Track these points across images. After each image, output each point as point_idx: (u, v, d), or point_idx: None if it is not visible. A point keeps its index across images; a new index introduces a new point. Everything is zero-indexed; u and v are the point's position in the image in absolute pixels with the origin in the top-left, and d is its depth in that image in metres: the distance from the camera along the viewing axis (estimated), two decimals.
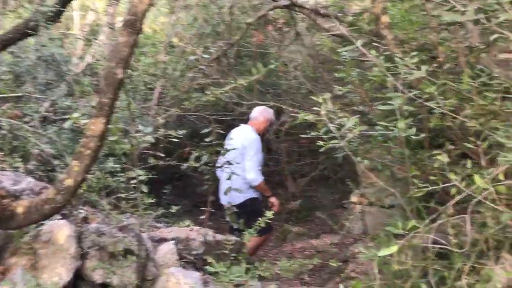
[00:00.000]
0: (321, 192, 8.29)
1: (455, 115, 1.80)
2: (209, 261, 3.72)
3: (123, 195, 2.75)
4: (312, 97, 3.45)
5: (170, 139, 3.65)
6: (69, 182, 2.54)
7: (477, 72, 2.17)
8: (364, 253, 2.20)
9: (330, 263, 3.88)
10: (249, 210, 4.87)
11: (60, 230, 3.02)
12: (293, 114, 7.58)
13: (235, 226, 3.83)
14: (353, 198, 7.06)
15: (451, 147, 2.20)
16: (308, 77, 7.50)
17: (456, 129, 2.14)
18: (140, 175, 3.06)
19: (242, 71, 7.72)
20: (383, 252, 1.63)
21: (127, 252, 3.07)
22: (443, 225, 1.57)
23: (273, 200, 5.26)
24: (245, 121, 6.01)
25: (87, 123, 2.59)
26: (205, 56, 4.14)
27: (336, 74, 3.01)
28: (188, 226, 4.09)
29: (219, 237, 3.78)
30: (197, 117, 7.67)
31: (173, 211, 3.16)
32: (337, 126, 2.16)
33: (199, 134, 4.08)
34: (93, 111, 2.58)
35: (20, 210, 2.51)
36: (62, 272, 2.90)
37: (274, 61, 7.62)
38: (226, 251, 3.75)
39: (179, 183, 8.83)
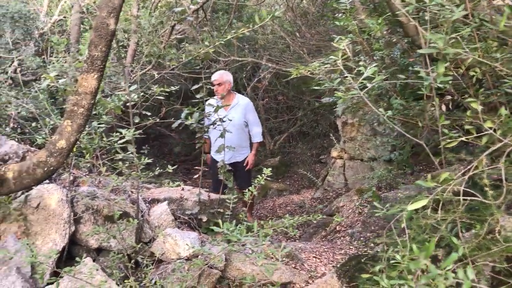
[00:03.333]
0: (300, 148, 8.31)
1: (488, 62, 1.73)
2: (204, 220, 3.67)
3: (120, 156, 2.59)
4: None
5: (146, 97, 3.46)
6: (62, 143, 2.37)
7: None
8: (377, 209, 2.15)
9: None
10: (246, 167, 5.06)
11: (51, 194, 2.86)
12: (271, 70, 7.42)
13: (229, 184, 3.76)
14: (333, 153, 7.11)
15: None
16: (287, 31, 7.32)
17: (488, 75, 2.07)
18: (126, 135, 2.91)
19: (218, 26, 7.45)
20: (413, 205, 1.59)
21: (123, 214, 2.95)
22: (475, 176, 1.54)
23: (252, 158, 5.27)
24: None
25: (78, 79, 2.39)
26: (192, 7, 3.88)
27: (337, 23, 2.88)
28: (178, 185, 3.99)
29: (213, 196, 3.70)
30: (173, 75, 7.43)
31: (169, 170, 3.02)
32: (352, 75, 2.06)
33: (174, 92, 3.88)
34: (83, 66, 2.37)
35: (10, 175, 2.33)
36: (56, 238, 2.77)
37: (252, 15, 7.37)
38: (220, 210, 3.70)
39: (155, 143, 8.65)
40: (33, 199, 2.86)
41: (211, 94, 3.65)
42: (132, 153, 2.62)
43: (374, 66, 1.97)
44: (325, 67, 2.47)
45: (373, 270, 1.96)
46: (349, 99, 2.96)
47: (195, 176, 7.89)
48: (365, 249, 4.33)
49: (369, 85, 1.99)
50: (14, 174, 2.34)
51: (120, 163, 2.63)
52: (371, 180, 5.65)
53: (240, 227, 2.68)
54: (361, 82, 1.98)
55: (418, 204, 1.59)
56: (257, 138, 5.21)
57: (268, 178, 3.14)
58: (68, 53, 6.43)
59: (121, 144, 2.92)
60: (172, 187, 3.93)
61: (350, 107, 2.91)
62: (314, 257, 4.12)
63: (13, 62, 5.84)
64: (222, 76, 4.94)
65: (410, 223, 1.86)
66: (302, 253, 4.04)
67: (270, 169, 3.13)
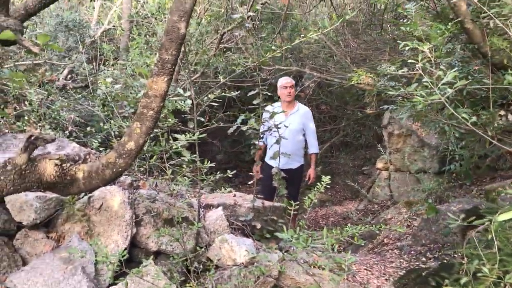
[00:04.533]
0: (342, 159, 8.19)
1: None
2: (257, 227, 3.63)
3: (186, 159, 2.59)
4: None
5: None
6: (130, 145, 2.39)
7: None
8: (452, 220, 2.06)
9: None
10: (299, 176, 5.03)
11: (113, 196, 2.90)
12: (316, 79, 7.37)
13: (281, 192, 3.72)
14: (379, 164, 6.97)
15: None
16: (332, 40, 7.27)
17: None
18: (185, 140, 2.92)
19: (263, 35, 7.47)
20: (503, 216, 1.50)
21: (183, 219, 2.96)
22: None
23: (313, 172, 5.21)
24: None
25: (148, 82, 2.41)
26: (251, 14, 3.90)
27: (402, 28, 2.81)
28: (230, 192, 3.98)
29: (267, 203, 3.66)
30: (216, 83, 7.49)
31: (229, 175, 3.01)
32: (430, 80, 1.98)
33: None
34: (153, 69, 2.40)
35: (80, 175, 2.37)
36: (118, 239, 2.80)
37: (296, 24, 7.35)
38: (274, 217, 3.66)
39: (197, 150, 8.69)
40: (95, 200, 2.91)
41: (267, 100, 3.63)
42: (195, 157, 2.62)
43: (454, 71, 1.90)
44: (402, 71, 2.40)
45: (452, 284, 1.87)
46: (412, 106, 2.87)
47: (238, 183, 7.90)
48: (417, 263, 4.19)
49: (450, 90, 1.92)
50: (84, 174, 2.38)
51: (184, 166, 2.63)
52: (419, 192, 5.49)
53: (303, 235, 2.64)
54: (440, 87, 1.91)
55: (508, 215, 1.51)
56: (315, 148, 5.18)
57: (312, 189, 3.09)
58: (117, 60, 6.59)
59: (175, 149, 2.93)
60: (224, 193, 3.93)
61: (414, 114, 2.83)
62: (365, 269, 4.02)
63: (64, 69, 6.03)
64: (292, 80, 4.99)
65: (497, 234, 1.77)
66: (352, 265, 3.95)
67: (329, 176, 3.07)
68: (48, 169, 2.28)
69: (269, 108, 4.46)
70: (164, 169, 3.04)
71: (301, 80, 8.02)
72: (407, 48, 2.57)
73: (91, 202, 2.89)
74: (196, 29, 6.25)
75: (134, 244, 2.95)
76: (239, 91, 4.49)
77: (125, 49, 6.91)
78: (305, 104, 8.24)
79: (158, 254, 3.01)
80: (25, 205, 2.76)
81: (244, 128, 3.39)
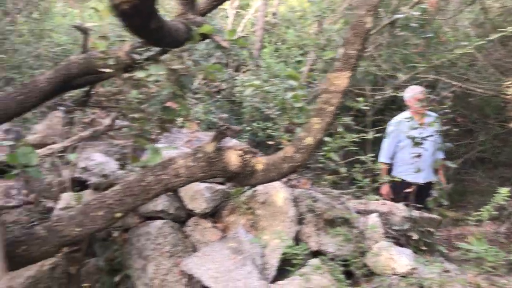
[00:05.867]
0: (478, 176, 7.53)
1: None
2: (413, 237, 3.43)
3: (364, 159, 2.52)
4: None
5: None
6: (309, 140, 2.38)
7: None
8: None
9: None
10: (431, 188, 4.72)
11: (277, 192, 2.92)
12: (456, 89, 6.88)
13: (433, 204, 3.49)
14: None
15: None
16: (475, 46, 6.74)
17: None
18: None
19: (398, 42, 7.19)
20: None
21: (344, 221, 2.88)
22: None
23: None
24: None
25: (330, 77, 2.39)
26: (415, 13, 3.76)
27: None
28: (377, 200, 3.83)
29: (425, 214, 3.45)
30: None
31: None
32: None
33: None
34: (336, 64, 2.38)
35: (259, 167, 2.41)
36: (283, 235, 2.80)
37: (435, 30, 6.94)
38: (430, 229, 3.44)
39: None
40: (259, 194, 2.95)
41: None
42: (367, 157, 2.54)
43: None
44: None
45: None
46: None
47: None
48: None
49: None
50: (263, 167, 2.42)
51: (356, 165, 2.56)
52: None
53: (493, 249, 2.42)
54: None
55: None
56: (442, 154, 4.83)
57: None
58: (252, 66, 6.79)
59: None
60: (371, 200, 3.78)
61: None
62: None
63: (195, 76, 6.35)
64: (425, 90, 4.72)
65: None
66: None
67: (508, 189, 2.79)
68: (233, 159, 2.35)
69: (397, 119, 4.25)
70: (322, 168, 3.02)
71: (435, 90, 7.56)
72: None
73: (255, 196, 2.95)
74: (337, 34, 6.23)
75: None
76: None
77: (258, 55, 7.11)
78: (438, 115, 7.75)
79: (316, 255, 2.96)
80: (197, 194, 2.89)
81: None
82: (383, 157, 4.75)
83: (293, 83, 3.91)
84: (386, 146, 4.77)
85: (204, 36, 2.41)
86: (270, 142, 4.18)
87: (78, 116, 3.39)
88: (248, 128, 4.54)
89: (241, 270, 2.55)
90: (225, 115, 4.32)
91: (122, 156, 3.24)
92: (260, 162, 2.43)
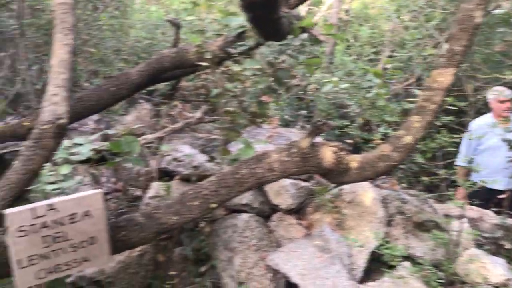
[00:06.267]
0: None
1: None
2: (506, 247, 3.24)
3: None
4: None
5: None
6: (408, 139, 2.29)
7: None
8: None
9: None
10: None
11: (364, 191, 2.85)
12: None
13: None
14: None
15: None
16: None
17: None
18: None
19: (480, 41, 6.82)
20: None
21: (434, 225, 2.76)
22: None
23: None
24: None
25: (433, 74, 2.29)
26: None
27: None
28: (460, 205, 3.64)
29: None
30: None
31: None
32: None
33: None
34: (439, 61, 2.27)
35: (353, 165, 2.36)
36: (370, 236, 2.73)
37: None
38: None
39: None
40: (346, 193, 2.89)
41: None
42: None
43: None
44: None
45: None
46: None
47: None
48: None
49: None
50: (357, 165, 2.36)
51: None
52: None
53: None
54: None
55: None
56: None
57: None
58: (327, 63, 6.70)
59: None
60: (459, 205, 3.60)
61: None
62: None
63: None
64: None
65: None
66: None
67: None
68: (327, 155, 2.31)
69: (478, 122, 3.98)
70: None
71: None
72: None
73: (342, 195, 2.89)
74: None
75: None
76: None
77: (331, 53, 7.01)
78: None
79: (405, 259, 2.86)
80: (282, 189, 2.88)
81: None
82: (461, 160, 4.52)
83: (376, 80, 3.81)
84: (464, 149, 4.54)
85: (301, 30, 2.38)
86: (348, 141, 4.10)
87: (164, 109, 3.48)
88: None
89: (329, 268, 2.51)
90: (303, 112, 4.27)
91: (208, 149, 3.30)
92: (355, 159, 2.37)
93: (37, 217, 1.88)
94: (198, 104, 3.61)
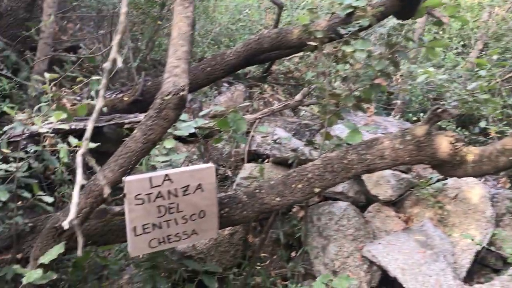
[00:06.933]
0: None
1: None
2: None
3: None
4: None
5: None
6: None
7: None
8: None
9: None
10: None
11: (471, 188, 2.67)
12: None
13: None
14: None
15: None
16: None
17: None
18: None
19: None
20: None
21: None
22: None
23: None
24: None
25: None
26: None
27: None
28: None
29: None
30: None
31: None
32: None
33: None
34: None
35: (470, 157, 2.19)
36: (476, 235, 2.55)
37: None
38: None
39: None
40: (450, 189, 2.73)
41: None
42: None
43: None
44: None
45: None
46: None
47: None
48: None
49: None
50: (474, 158, 2.19)
51: None
52: None
53: None
54: None
55: None
56: None
57: None
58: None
59: None
60: None
61: None
62: None
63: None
64: None
65: None
66: None
67: None
68: (443, 145, 2.16)
69: None
70: None
71: None
72: None
73: (445, 190, 2.73)
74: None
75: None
76: None
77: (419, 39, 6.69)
78: None
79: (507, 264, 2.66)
80: (382, 180, 2.76)
81: None
82: None
83: (482, 72, 3.56)
84: None
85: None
86: None
87: (257, 91, 3.45)
88: (414, 118, 4.28)
89: (433, 265, 2.37)
90: (407, 98, 4.10)
91: (301, 134, 3.23)
92: (472, 152, 2.20)
93: (153, 187, 1.91)
94: (290, 88, 3.54)
